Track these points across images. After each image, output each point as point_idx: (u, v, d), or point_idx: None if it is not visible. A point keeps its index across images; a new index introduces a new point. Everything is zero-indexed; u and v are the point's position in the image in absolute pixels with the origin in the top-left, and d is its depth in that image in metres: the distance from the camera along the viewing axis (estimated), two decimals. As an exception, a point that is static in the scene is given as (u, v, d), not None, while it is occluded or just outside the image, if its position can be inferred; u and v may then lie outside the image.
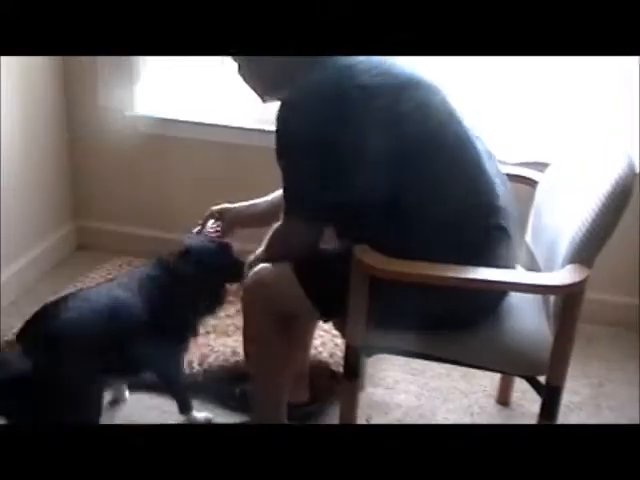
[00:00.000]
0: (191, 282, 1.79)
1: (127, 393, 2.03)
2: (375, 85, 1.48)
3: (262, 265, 1.61)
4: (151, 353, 1.72)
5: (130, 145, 2.67)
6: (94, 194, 2.83)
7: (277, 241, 1.60)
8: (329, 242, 1.63)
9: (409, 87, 1.52)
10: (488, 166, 1.57)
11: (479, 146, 1.57)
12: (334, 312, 1.63)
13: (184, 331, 1.84)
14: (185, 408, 1.91)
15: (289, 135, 1.49)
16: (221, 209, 1.90)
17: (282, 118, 1.49)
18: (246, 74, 1.63)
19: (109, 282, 1.84)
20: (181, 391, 1.91)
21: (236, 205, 1.90)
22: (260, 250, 1.66)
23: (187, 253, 1.83)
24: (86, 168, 2.79)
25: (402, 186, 1.48)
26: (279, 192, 1.67)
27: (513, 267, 1.62)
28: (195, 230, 1.91)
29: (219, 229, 1.88)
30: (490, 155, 1.62)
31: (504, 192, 1.59)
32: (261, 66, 1.59)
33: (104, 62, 2.56)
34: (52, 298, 2.29)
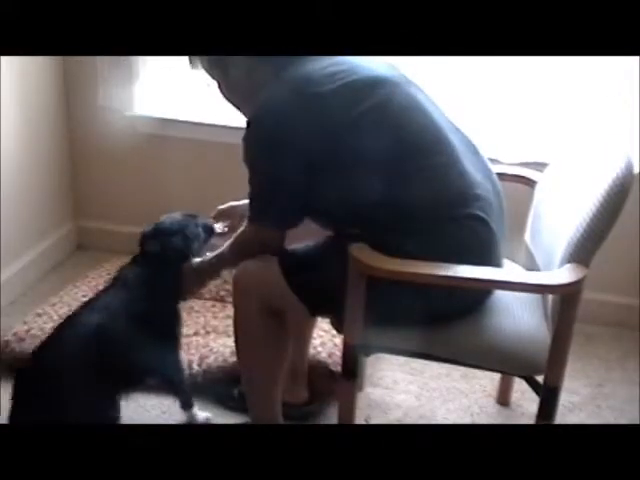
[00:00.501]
0: (152, 266, 1.82)
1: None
2: (332, 90, 1.51)
3: (250, 260, 1.61)
4: (149, 355, 1.72)
5: (130, 145, 2.67)
6: (94, 194, 2.83)
7: (242, 247, 1.65)
8: (316, 238, 1.64)
9: (370, 87, 1.54)
10: (463, 157, 1.56)
11: (453, 138, 1.58)
12: (323, 309, 1.64)
13: (170, 320, 1.83)
14: (187, 404, 1.91)
15: (253, 146, 1.56)
16: (227, 207, 1.92)
17: (247, 129, 1.56)
18: (224, 91, 1.69)
19: (95, 296, 1.84)
20: (183, 387, 1.90)
21: (241, 202, 1.91)
22: (216, 254, 1.72)
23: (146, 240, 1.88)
24: (86, 168, 2.79)
25: (369, 184, 1.50)
26: None
27: (498, 259, 1.60)
28: None
29: (226, 228, 1.90)
30: (471, 147, 1.62)
31: (484, 184, 1.58)
32: (234, 81, 1.64)
33: (104, 62, 2.56)
34: (52, 298, 2.33)
